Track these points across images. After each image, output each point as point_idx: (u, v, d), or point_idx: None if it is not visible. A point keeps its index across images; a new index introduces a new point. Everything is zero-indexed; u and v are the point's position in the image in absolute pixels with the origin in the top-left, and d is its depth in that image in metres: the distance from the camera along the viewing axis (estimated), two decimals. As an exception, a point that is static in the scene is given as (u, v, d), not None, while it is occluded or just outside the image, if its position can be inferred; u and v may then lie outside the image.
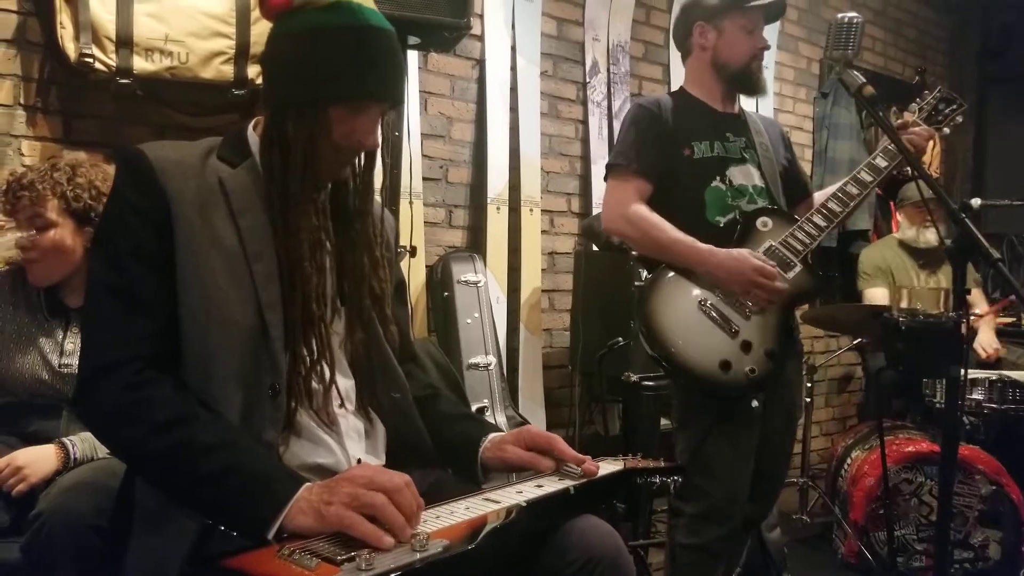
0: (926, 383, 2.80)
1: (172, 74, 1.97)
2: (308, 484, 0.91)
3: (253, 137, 1.09)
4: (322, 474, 1.01)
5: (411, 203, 2.54)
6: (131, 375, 0.96)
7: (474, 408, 2.49)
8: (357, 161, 1.12)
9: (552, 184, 3.08)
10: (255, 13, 2.01)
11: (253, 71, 2.05)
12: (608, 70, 3.20)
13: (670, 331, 1.78)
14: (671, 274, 1.84)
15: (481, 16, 2.80)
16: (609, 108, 3.19)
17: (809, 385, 3.13)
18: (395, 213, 2.24)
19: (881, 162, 1.87)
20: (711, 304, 1.79)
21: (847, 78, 1.72)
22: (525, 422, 2.62)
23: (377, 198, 1.20)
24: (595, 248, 2.95)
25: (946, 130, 1.97)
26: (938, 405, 2.74)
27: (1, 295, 1.63)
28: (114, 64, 1.90)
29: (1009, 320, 3.70)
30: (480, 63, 2.86)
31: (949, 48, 5.01)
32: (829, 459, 3.24)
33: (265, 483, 0.91)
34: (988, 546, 2.49)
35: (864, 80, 1.70)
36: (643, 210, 1.84)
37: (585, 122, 3.16)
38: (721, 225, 1.87)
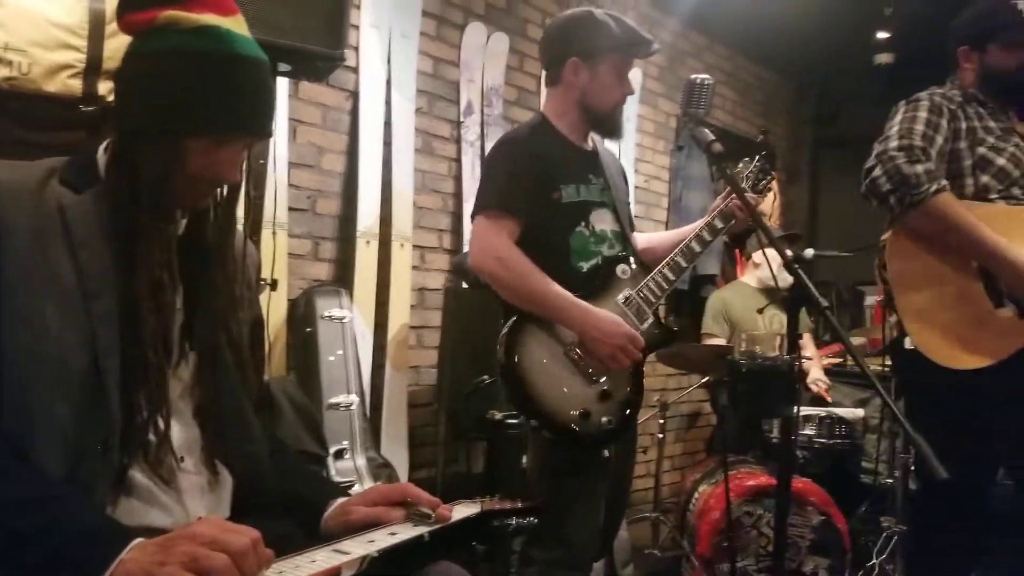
0: (765, 420, 3.03)
1: (11, 85, 1.81)
2: (140, 540, 0.83)
3: (103, 160, 1.01)
4: (156, 537, 0.92)
5: (274, 234, 2.46)
6: None
7: (333, 450, 2.41)
8: (219, 192, 1.05)
9: (424, 220, 3.09)
10: (111, 26, 1.89)
11: (105, 87, 1.92)
12: (482, 111, 3.27)
13: (533, 377, 1.75)
14: (537, 320, 1.80)
15: (356, 48, 2.79)
16: (482, 148, 3.24)
17: (661, 421, 3.27)
18: (257, 244, 2.16)
19: (718, 223, 1.97)
20: (576, 351, 1.79)
21: (698, 134, 1.79)
22: (387, 464, 2.56)
23: (240, 229, 1.13)
24: (465, 285, 2.98)
25: (761, 199, 2.12)
26: (774, 440, 2.95)
27: None
28: (-59, 70, 1.73)
29: (836, 361, 4.06)
30: (354, 95, 2.83)
31: (790, 110, 5.53)
32: (679, 493, 3.39)
33: (87, 541, 0.82)
34: (818, 573, 2.68)
35: (713, 137, 1.76)
36: (518, 253, 1.79)
37: (458, 160, 3.20)
38: (584, 271, 1.86)
